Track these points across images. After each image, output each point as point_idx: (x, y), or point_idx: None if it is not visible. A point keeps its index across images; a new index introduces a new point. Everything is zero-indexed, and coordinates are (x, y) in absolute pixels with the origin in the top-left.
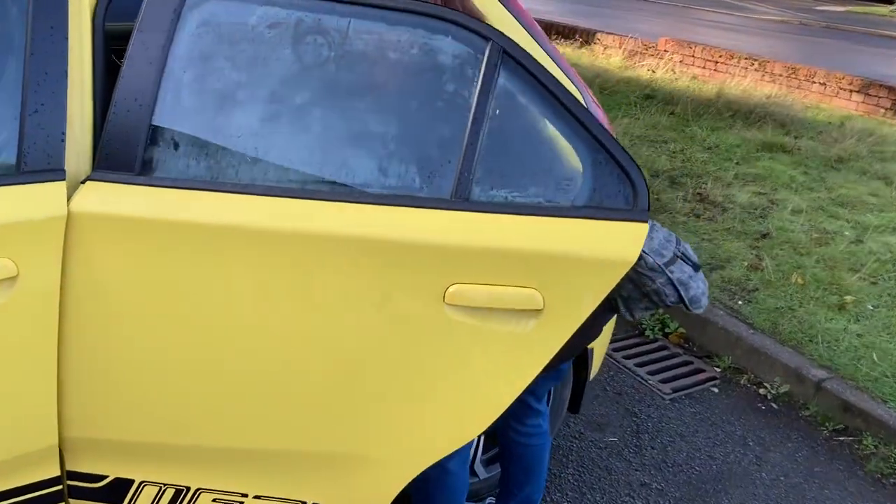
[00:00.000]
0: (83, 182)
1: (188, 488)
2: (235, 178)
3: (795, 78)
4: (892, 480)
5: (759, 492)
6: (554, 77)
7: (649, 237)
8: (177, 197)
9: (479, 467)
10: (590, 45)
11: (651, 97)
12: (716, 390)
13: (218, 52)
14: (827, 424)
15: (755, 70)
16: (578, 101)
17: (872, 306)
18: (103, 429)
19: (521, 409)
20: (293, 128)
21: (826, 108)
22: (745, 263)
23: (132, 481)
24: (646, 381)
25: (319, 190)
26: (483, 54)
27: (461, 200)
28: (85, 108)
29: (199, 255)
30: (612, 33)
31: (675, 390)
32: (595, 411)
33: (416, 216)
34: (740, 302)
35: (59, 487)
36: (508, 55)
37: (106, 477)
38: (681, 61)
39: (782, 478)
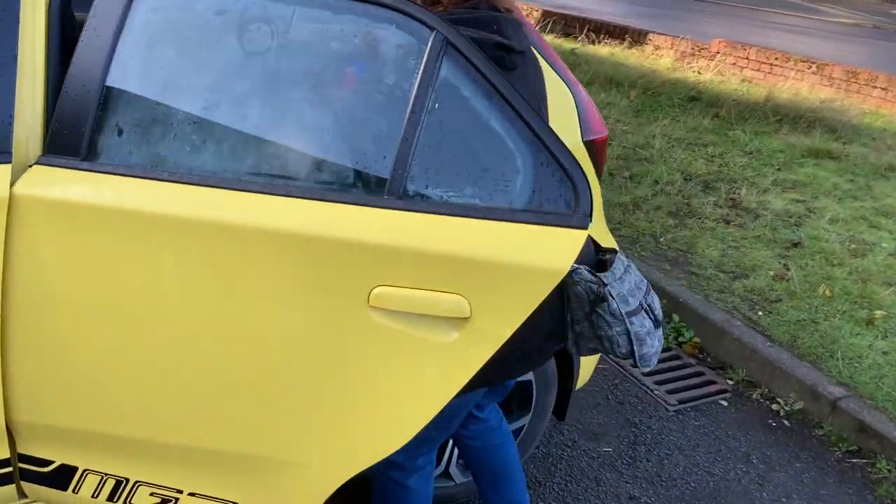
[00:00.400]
0: (31, 166)
1: (127, 480)
2: (173, 166)
3: (855, 82)
4: None
5: None
6: (498, 71)
7: (620, 280)
8: (114, 184)
9: (454, 471)
10: (640, 45)
11: (696, 99)
12: (725, 403)
13: (165, 40)
14: (840, 445)
15: (812, 73)
16: (523, 98)
17: None
18: (49, 414)
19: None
20: (231, 118)
21: (886, 114)
22: (771, 273)
23: (76, 469)
24: (651, 390)
25: (252, 181)
26: (426, 44)
27: (394, 198)
28: (36, 94)
29: (130, 244)
30: (663, 34)
31: (681, 402)
32: (593, 419)
33: (347, 212)
34: (760, 313)
35: (10, 469)
36: (452, 46)
37: (53, 462)
38: (734, 63)
39: (784, 499)
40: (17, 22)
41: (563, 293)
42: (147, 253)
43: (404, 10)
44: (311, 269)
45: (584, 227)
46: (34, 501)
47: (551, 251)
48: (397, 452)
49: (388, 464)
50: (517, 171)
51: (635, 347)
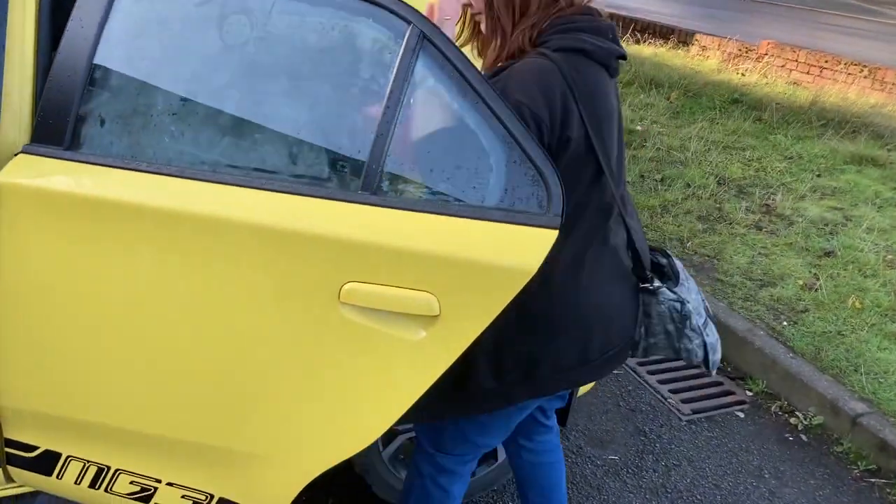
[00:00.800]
0: (16, 154)
1: (109, 468)
2: (152, 157)
3: None
4: None
5: None
6: (474, 67)
7: (688, 289)
8: (94, 173)
9: None
10: (687, 45)
11: (738, 101)
12: (741, 415)
13: (147, 30)
14: (859, 463)
15: (863, 77)
16: (498, 95)
17: None
18: (34, 401)
19: (529, 424)
20: (209, 109)
21: None
22: (800, 282)
23: (60, 455)
24: (665, 399)
25: (229, 174)
26: (402, 38)
27: (368, 193)
28: (25, 82)
29: (108, 234)
30: (711, 34)
31: (694, 411)
32: (601, 426)
33: (320, 207)
34: (785, 323)
35: None
36: (429, 41)
37: (38, 448)
38: (782, 66)
39: None
40: (6, 10)
41: (637, 308)
42: (124, 244)
43: (381, 4)
44: (285, 262)
45: (556, 228)
46: (21, 486)
47: (522, 251)
48: (448, 458)
49: (439, 468)
50: (490, 169)
51: (710, 356)
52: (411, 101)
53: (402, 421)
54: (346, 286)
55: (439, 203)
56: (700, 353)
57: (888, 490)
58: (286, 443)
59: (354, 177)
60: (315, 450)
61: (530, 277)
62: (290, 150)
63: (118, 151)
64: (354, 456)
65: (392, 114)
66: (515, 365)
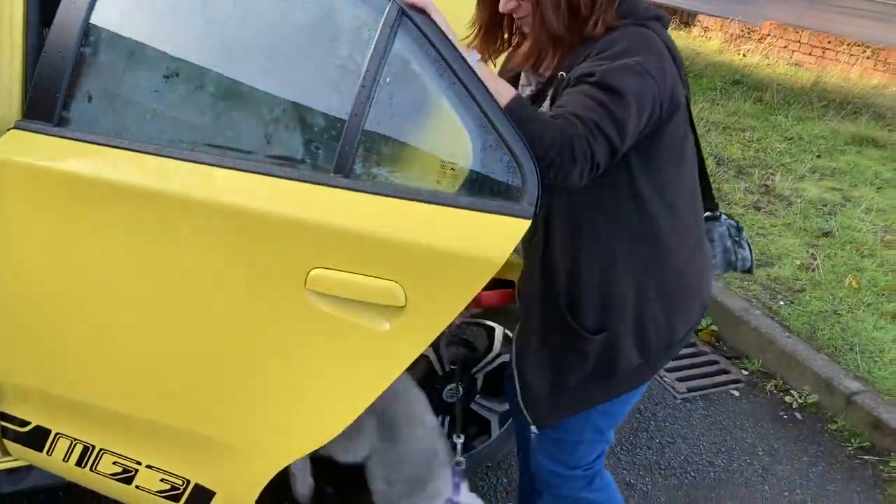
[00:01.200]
0: (8, 130)
1: (94, 447)
2: (134, 135)
3: None
4: None
5: None
6: (454, 47)
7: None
8: (77, 150)
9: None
10: (689, 26)
11: (739, 83)
12: (736, 394)
13: (134, 8)
14: (853, 441)
15: (867, 58)
16: (477, 77)
17: None
18: (25, 376)
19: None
20: (188, 88)
21: None
22: (798, 262)
23: (50, 431)
24: (661, 377)
25: (203, 153)
26: (382, 14)
27: (340, 177)
28: (14, 58)
29: (87, 211)
30: (713, 15)
31: (690, 390)
32: None
33: (291, 189)
34: (781, 302)
35: None
36: (408, 18)
37: (30, 423)
38: (784, 47)
39: (786, 493)
40: None
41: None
42: (101, 221)
43: None
44: (254, 245)
45: (529, 217)
46: (15, 460)
47: (492, 241)
48: (590, 466)
49: (587, 481)
50: (464, 153)
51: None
52: (387, 80)
53: (546, 422)
54: (313, 272)
55: (411, 189)
56: (751, 257)
57: (881, 467)
58: (256, 431)
59: (327, 159)
60: (283, 440)
61: (496, 269)
62: (265, 129)
63: (103, 129)
64: None
65: (367, 94)
66: (658, 336)
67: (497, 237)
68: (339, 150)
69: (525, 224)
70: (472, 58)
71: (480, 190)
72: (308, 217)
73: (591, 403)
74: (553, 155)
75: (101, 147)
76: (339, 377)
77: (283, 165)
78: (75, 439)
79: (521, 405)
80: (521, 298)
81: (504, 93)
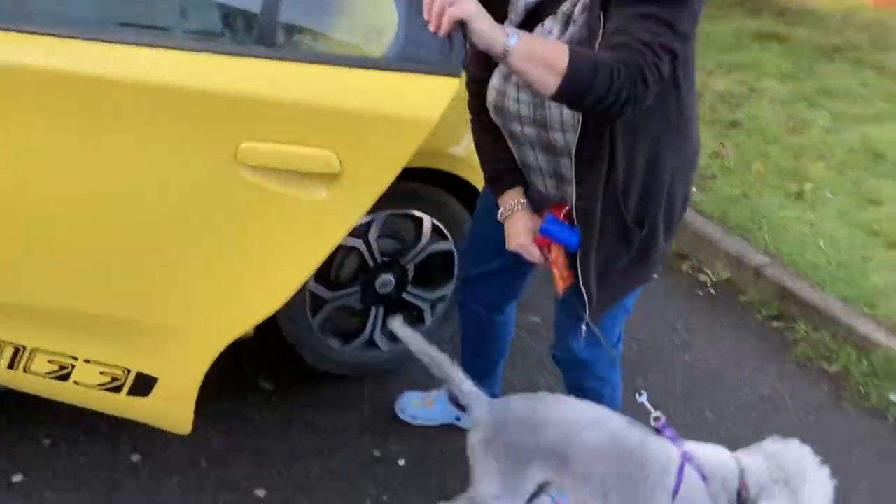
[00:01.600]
0: None
1: (24, 347)
2: (42, 17)
3: None
4: (816, 365)
5: (677, 374)
6: None
7: None
8: None
9: (380, 338)
10: None
11: None
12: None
13: None
14: (762, 310)
15: None
16: None
17: (831, 194)
18: None
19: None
20: None
21: None
22: (708, 152)
23: None
24: None
25: (119, 32)
26: None
27: (263, 47)
28: None
29: (3, 99)
30: None
31: None
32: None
33: (213, 63)
34: (694, 189)
35: None
36: None
37: None
38: None
39: (705, 364)
40: None
41: None
42: (18, 108)
43: None
44: (180, 122)
45: (457, 75)
46: None
47: (422, 101)
48: (620, 342)
49: (614, 358)
50: (391, 17)
51: None
52: None
53: (601, 317)
54: (243, 145)
55: (337, 56)
56: None
57: (787, 332)
58: (194, 310)
59: (248, 30)
60: (224, 316)
61: (431, 128)
62: (185, 4)
63: (6, 13)
64: (284, 325)
65: None
66: (679, 218)
67: (428, 97)
68: (259, 20)
69: (455, 82)
70: (513, 38)
71: (408, 51)
72: (231, 90)
73: (631, 287)
74: (626, 94)
75: (8, 33)
76: (278, 248)
77: (201, 40)
78: (3, 341)
79: (588, 317)
80: (583, 216)
81: (559, 54)
